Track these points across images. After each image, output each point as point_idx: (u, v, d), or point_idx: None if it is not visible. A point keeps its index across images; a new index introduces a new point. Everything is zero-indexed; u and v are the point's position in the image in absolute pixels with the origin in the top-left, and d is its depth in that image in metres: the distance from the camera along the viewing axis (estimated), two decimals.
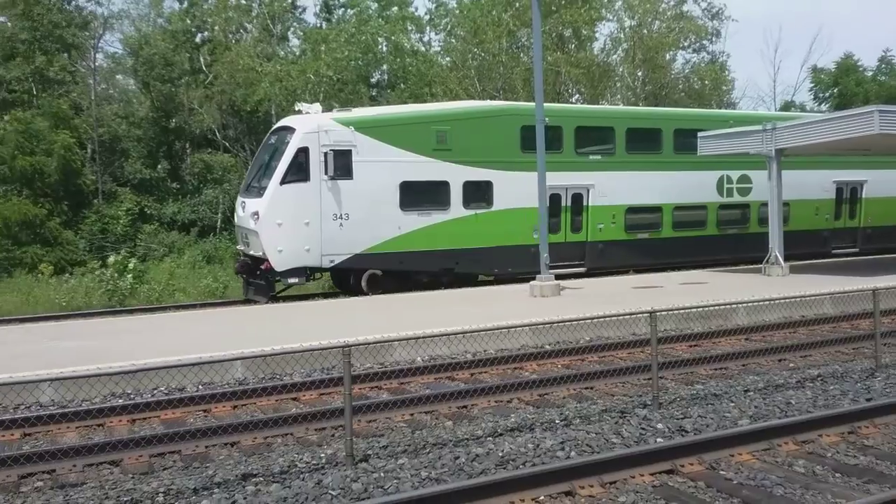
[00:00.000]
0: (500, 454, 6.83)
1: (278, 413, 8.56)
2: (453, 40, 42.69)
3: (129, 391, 9.65)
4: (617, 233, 22.29)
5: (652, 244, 22.80)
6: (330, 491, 6.08)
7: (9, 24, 37.75)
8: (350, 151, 18.93)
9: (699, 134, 21.83)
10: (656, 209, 22.89)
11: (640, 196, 22.49)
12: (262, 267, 18.57)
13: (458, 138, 20.22)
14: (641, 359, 11.08)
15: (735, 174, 24.07)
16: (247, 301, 19.08)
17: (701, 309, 13.42)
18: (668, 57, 45.50)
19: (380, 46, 40.17)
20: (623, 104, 42.05)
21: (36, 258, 27.55)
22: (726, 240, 24.05)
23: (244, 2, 41.47)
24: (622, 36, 44.05)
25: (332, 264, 18.93)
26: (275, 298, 18.97)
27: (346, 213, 18.77)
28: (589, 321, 12.37)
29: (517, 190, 20.51)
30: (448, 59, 41.93)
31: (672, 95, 44.62)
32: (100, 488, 6.50)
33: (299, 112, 19.75)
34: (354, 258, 19.02)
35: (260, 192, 18.71)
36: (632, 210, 22.45)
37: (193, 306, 19.03)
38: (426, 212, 19.77)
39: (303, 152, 18.61)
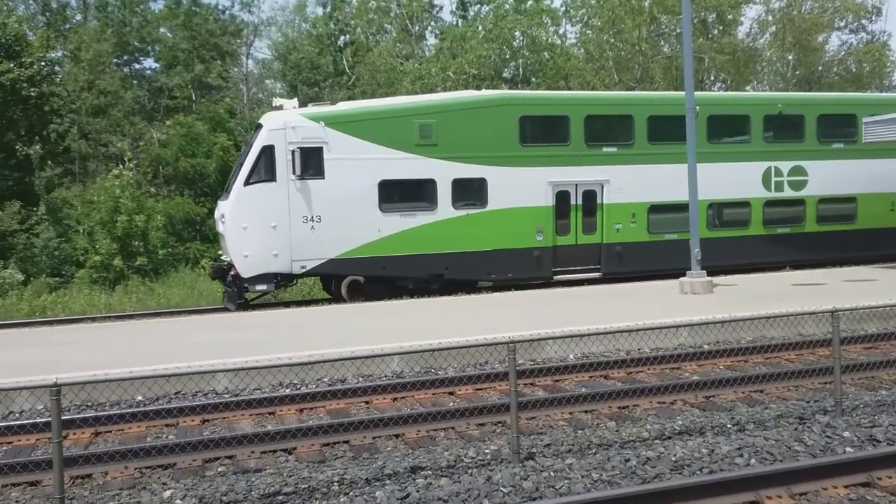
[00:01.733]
0: (673, 458, 6.58)
1: (437, 407, 8.66)
2: (589, 31, 41.94)
3: (295, 381, 10.06)
4: (638, 234, 19.87)
5: (681, 246, 19.46)
6: (501, 488, 6.06)
7: (170, 34, 40.61)
8: (321, 149, 17.68)
9: (864, 119, 20.14)
10: (686, 207, 19.64)
11: (665, 192, 19.80)
12: (231, 273, 17.65)
13: (445, 132, 18.49)
14: (811, 361, 10.41)
15: (786, 165, 21.11)
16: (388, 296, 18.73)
17: (883, 308, 12.41)
18: (820, 39, 42.68)
19: (516, 41, 40.07)
20: (770, 90, 39.83)
21: (198, 254, 29.44)
22: (776, 240, 21.21)
23: (384, 3, 42.55)
24: (770, 18, 41.75)
25: (304, 270, 17.76)
26: (247, 306, 18.06)
27: (317, 216, 17.55)
28: (753, 320, 11.73)
29: (516, 187, 18.88)
30: (582, 50, 41.25)
31: (826, 79, 41.84)
32: (278, 475, 6.80)
33: (279, 108, 18.50)
34: (329, 263, 17.81)
35: (230, 193, 17.89)
36: (656, 208, 19.95)
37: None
38: (409, 213, 18.25)
39: (268, 150, 17.55)
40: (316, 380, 10.15)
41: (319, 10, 44.86)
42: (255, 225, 17.34)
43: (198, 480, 6.76)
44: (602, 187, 19.68)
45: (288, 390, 9.73)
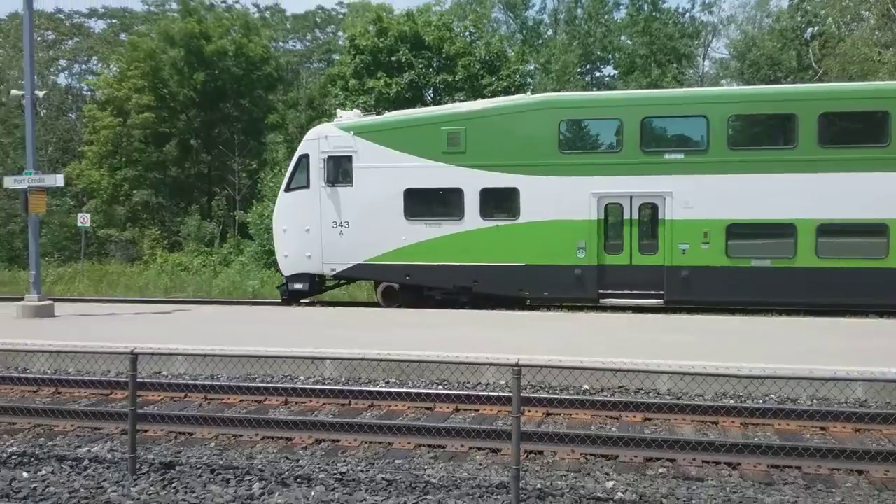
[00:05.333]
0: None
1: None
2: None
3: (740, 393, 9.61)
4: (711, 257, 16.64)
5: (777, 276, 16.41)
6: None
7: (629, 41, 42.00)
8: (350, 157, 18.26)
9: None
10: (785, 227, 16.40)
11: (752, 208, 16.41)
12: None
13: (474, 140, 17.60)
14: None
15: None
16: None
17: None
18: None
19: None
20: None
21: None
22: None
23: None
24: None
25: (334, 272, 18.68)
26: (296, 302, 19.20)
27: (345, 221, 18.32)
28: None
29: (553, 198, 17.14)
30: None
31: None
32: (720, 488, 6.56)
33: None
34: (356, 268, 18.47)
35: None
36: (737, 227, 16.59)
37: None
38: (435, 222, 17.87)
39: (304, 159, 18.59)
40: (763, 395, 9.55)
41: (784, 3, 41.96)
42: (293, 228, 18.67)
43: (638, 477, 6.89)
44: (664, 200, 16.84)
45: (732, 401, 9.34)
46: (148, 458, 7.42)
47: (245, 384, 10.20)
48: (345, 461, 7.38)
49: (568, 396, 9.23)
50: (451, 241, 17.88)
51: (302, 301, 19.61)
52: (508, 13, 49.62)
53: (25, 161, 17.11)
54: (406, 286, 18.41)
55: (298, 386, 10.13)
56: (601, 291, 17.30)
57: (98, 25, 55.63)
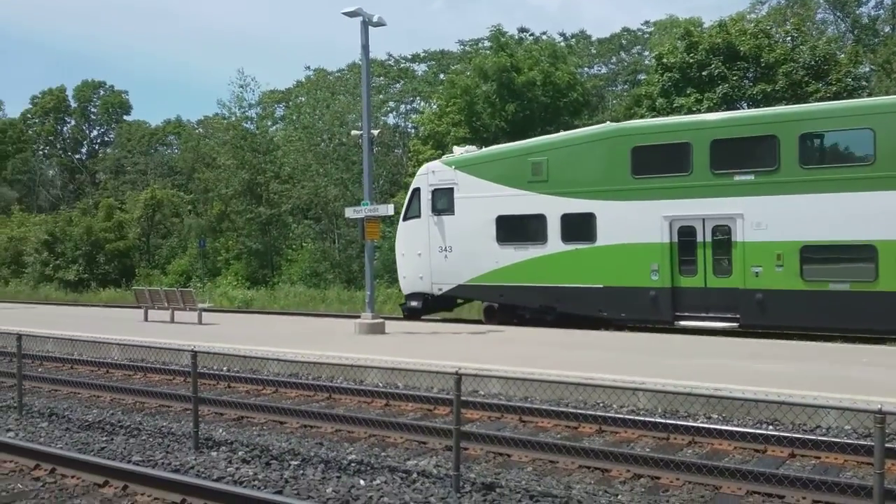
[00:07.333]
0: None
1: None
2: None
3: None
4: (785, 280, 15.83)
5: (858, 300, 15.08)
6: None
7: None
8: (452, 189, 20.20)
9: None
10: (864, 249, 15.13)
11: (828, 228, 15.39)
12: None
13: (555, 169, 18.79)
14: None
15: None
16: None
17: None
18: None
19: None
20: None
21: None
22: None
23: None
24: None
25: (441, 292, 20.62)
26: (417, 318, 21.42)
27: (449, 246, 20.21)
28: None
29: (627, 222, 17.65)
30: None
31: None
32: None
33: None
34: (458, 288, 20.39)
35: None
36: (812, 250, 15.69)
37: None
38: (522, 246, 19.21)
39: (416, 192, 21.03)
40: None
41: None
42: (409, 253, 21.16)
43: None
44: (735, 222, 16.63)
45: None
46: (469, 476, 7.61)
47: (558, 409, 10.15)
48: (668, 502, 6.89)
49: None
50: (536, 263, 19.11)
51: (423, 317, 21.77)
52: (836, 12, 44.82)
53: (362, 193, 19.14)
54: (502, 305, 20.19)
55: (612, 415, 9.84)
56: (677, 313, 17.39)
57: (420, 68, 60.92)
